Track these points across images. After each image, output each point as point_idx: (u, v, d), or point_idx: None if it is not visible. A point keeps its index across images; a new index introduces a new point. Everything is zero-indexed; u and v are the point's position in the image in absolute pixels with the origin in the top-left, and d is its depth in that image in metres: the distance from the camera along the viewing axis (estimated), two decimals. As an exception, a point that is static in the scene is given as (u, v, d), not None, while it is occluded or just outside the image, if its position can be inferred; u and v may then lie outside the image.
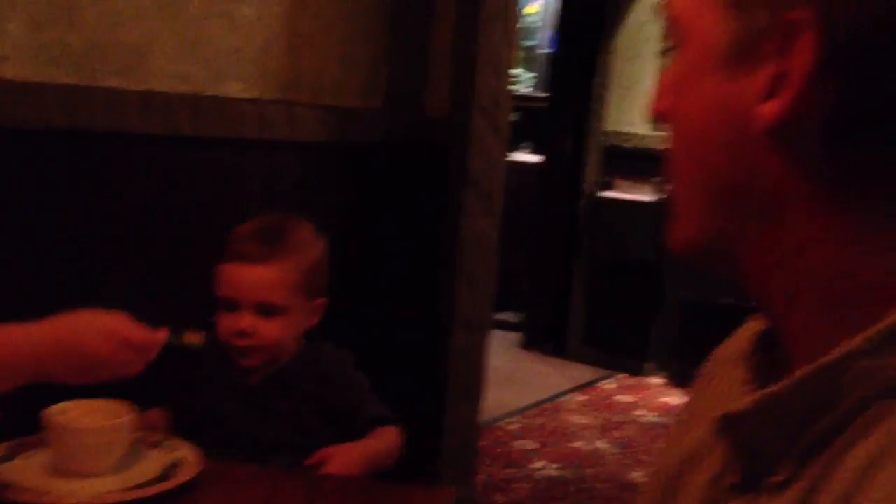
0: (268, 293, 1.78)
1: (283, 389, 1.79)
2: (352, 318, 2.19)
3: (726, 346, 0.80)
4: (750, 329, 0.72)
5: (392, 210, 2.71)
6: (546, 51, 6.49)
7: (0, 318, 1.31)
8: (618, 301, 5.14)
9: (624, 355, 5.10)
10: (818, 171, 0.57)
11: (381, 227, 2.69)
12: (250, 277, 1.77)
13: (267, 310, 1.78)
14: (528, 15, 6.80)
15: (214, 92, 2.19)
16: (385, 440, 1.78)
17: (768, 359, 0.68)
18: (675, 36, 0.63)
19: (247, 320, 1.78)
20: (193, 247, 2.12)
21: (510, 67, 2.85)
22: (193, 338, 1.53)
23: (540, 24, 6.84)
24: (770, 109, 0.56)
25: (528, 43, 6.76)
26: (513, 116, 3.01)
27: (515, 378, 4.85)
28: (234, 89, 2.24)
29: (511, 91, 2.93)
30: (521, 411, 4.39)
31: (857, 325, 0.56)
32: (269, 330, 1.78)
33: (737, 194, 0.60)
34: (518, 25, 6.96)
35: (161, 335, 1.44)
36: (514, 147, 5.41)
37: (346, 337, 1.86)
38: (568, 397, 4.67)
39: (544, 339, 5.41)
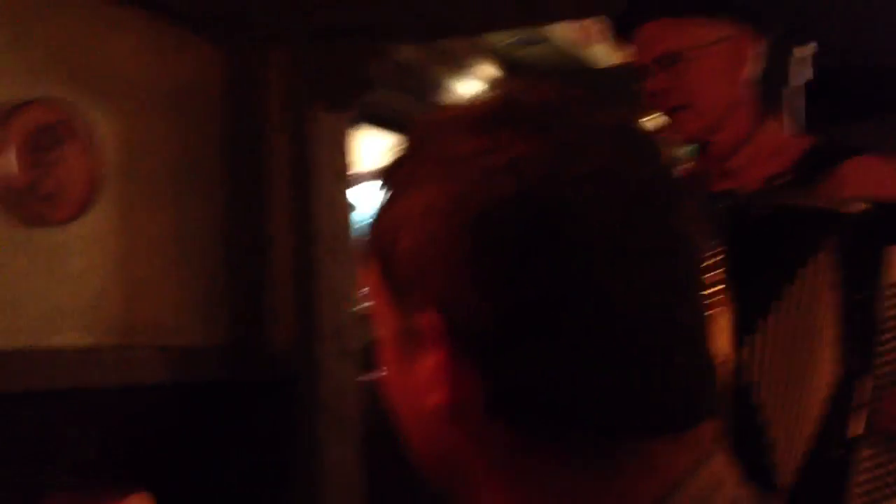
0: None
1: None
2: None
3: None
4: None
5: (239, 448, 2.68)
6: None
7: None
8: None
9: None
10: (490, 448, 0.61)
11: (228, 467, 2.65)
12: None
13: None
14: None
15: (47, 344, 2.20)
16: None
17: None
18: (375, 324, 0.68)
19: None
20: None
21: (353, 291, 2.89)
22: None
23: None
24: (433, 399, 0.61)
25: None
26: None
27: None
28: (68, 339, 2.25)
29: (357, 313, 2.96)
30: None
31: None
32: None
33: (444, 462, 0.64)
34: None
35: None
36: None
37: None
38: None
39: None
